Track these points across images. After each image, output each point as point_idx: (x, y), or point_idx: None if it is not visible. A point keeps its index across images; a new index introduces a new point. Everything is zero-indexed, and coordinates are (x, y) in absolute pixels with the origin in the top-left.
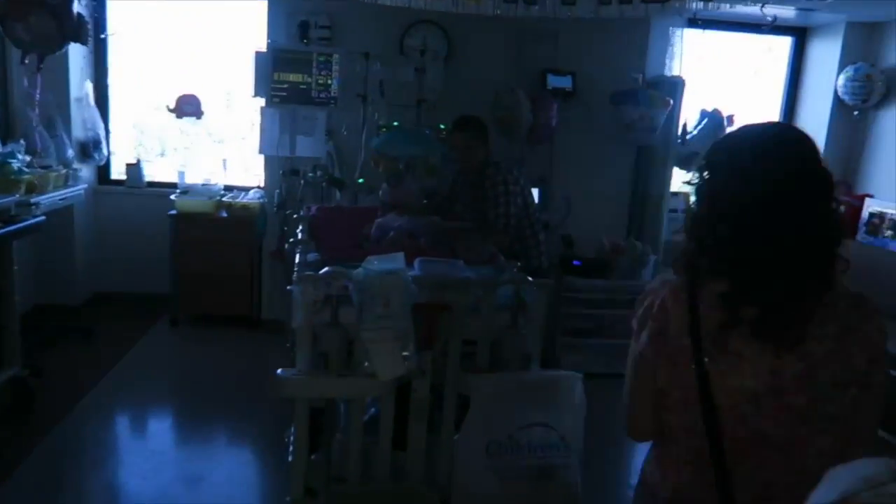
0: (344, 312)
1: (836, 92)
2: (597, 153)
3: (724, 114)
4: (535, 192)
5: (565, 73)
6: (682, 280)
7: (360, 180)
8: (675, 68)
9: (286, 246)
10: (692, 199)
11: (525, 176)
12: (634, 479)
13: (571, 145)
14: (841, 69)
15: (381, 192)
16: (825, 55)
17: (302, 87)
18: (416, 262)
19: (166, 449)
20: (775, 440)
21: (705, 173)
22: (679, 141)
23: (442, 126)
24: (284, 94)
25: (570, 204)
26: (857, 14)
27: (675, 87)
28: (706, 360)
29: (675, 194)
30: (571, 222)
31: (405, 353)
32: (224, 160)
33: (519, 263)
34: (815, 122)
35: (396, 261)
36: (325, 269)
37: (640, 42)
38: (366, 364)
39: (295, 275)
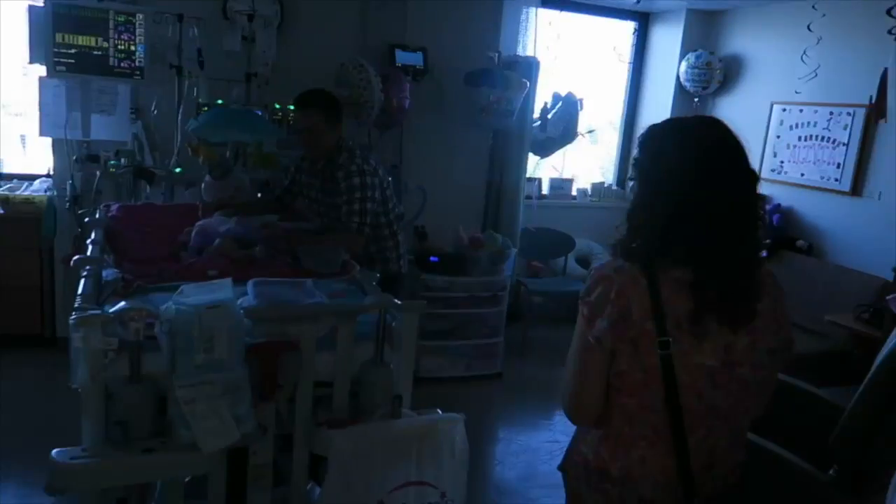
0: (149, 362)
1: (678, 78)
2: (451, 138)
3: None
4: None
5: (415, 49)
6: (636, 266)
7: (177, 170)
8: (530, 48)
9: (71, 263)
10: (632, 188)
11: (382, 165)
12: (509, 499)
13: (423, 129)
14: (682, 56)
15: (203, 187)
16: (667, 41)
17: (96, 53)
18: (251, 285)
19: None
20: (723, 410)
21: (651, 166)
22: (537, 124)
23: (277, 105)
24: (72, 61)
25: (425, 194)
26: (696, 1)
27: (530, 67)
28: (670, 341)
29: (531, 180)
30: (425, 213)
31: (238, 413)
32: (22, 136)
33: (378, 274)
34: (657, 107)
35: (221, 289)
36: (121, 304)
37: (493, 18)
38: (183, 432)
39: (74, 314)
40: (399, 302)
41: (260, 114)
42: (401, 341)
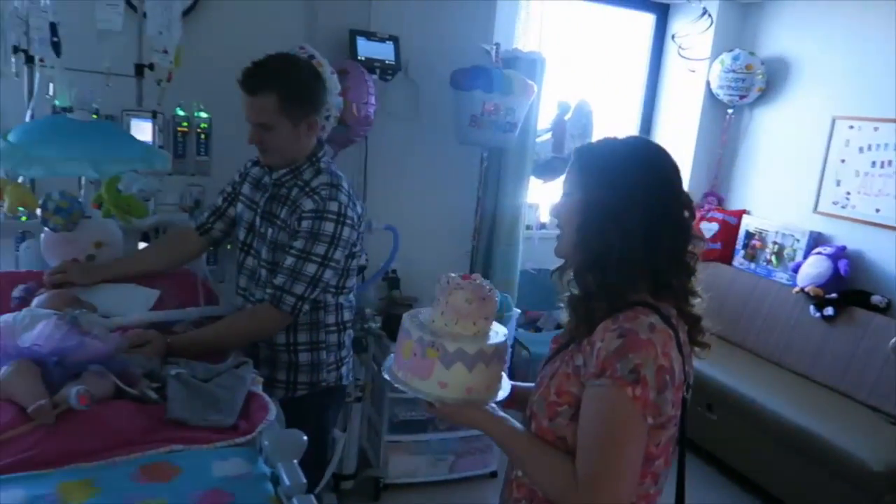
0: None
1: (707, 85)
2: (430, 158)
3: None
4: None
5: (384, 38)
6: (658, 318)
7: (21, 211)
8: (532, 42)
9: None
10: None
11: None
12: None
13: (393, 146)
14: (714, 57)
15: (42, 245)
16: (693, 39)
17: None
18: None
19: None
20: None
21: (612, 195)
22: (543, 139)
23: (180, 111)
24: None
25: (396, 236)
26: None
27: (534, 66)
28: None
29: (529, 206)
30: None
31: None
32: None
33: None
34: (680, 120)
35: None
36: None
37: (485, 2)
38: None
39: None
40: None
41: (123, 124)
42: None
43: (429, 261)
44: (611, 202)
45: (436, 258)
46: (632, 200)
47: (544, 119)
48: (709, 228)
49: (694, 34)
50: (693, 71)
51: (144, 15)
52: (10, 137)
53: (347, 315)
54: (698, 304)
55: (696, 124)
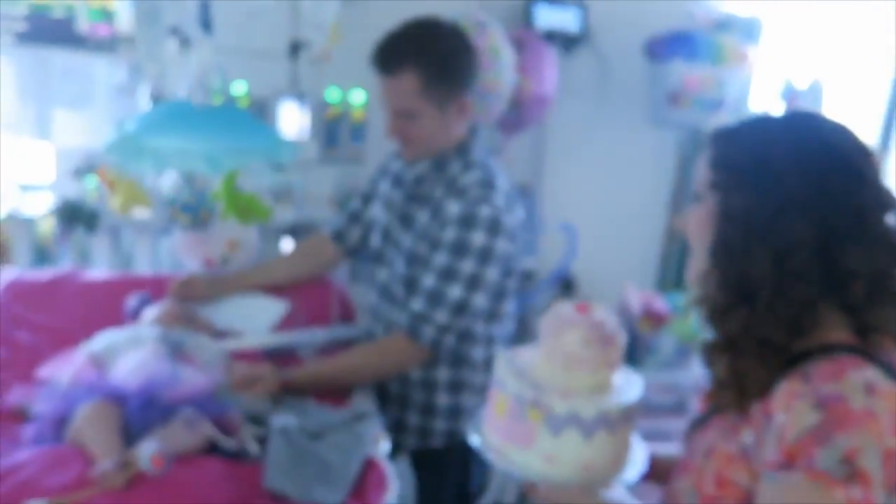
0: None
1: None
2: (616, 144)
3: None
4: None
5: (568, 3)
6: (876, 372)
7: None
8: (752, 3)
9: None
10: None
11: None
12: None
13: (573, 130)
14: None
15: (178, 244)
16: None
17: (57, 13)
18: None
19: None
20: None
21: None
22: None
23: (331, 94)
24: (25, 25)
25: (574, 236)
26: None
27: (749, 33)
28: None
29: None
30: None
31: None
32: None
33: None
34: None
35: None
36: None
37: None
38: None
39: None
40: None
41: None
42: None
43: (609, 264)
44: (757, 210)
45: (618, 262)
46: (790, 206)
47: (756, 100)
48: None
49: None
50: None
51: None
52: (128, 127)
53: (494, 348)
54: None
55: None
